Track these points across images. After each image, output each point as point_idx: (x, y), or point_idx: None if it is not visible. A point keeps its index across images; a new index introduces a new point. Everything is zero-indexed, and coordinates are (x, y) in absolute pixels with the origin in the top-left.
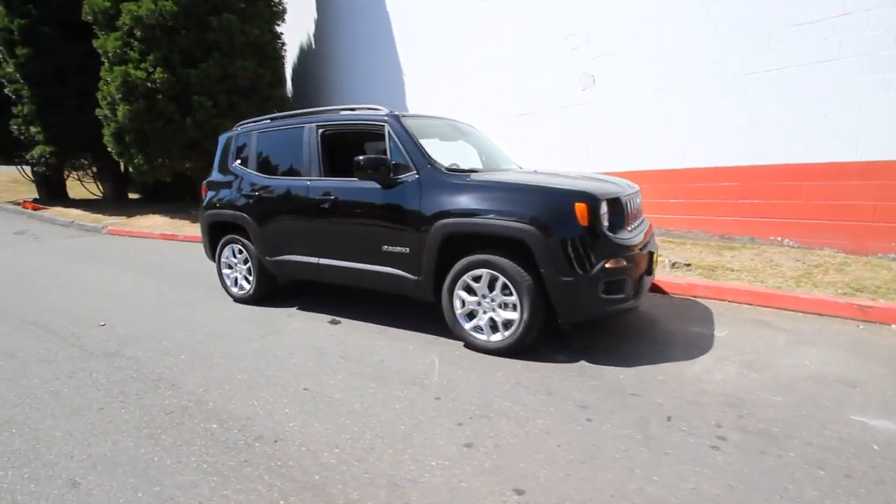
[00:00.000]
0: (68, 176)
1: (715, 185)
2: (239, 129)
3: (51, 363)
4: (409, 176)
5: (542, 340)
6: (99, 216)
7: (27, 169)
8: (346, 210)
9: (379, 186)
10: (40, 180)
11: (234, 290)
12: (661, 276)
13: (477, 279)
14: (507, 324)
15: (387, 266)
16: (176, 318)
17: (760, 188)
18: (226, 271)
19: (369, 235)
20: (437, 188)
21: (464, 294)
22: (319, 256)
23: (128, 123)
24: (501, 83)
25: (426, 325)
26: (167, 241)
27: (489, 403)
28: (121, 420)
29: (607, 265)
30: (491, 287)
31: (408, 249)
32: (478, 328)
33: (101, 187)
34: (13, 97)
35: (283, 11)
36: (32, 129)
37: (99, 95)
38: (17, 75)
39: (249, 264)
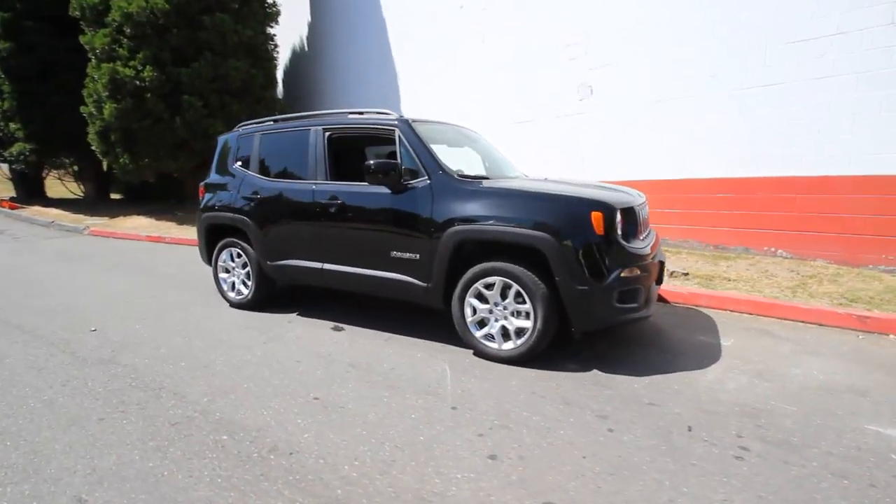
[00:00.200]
0: (47, 174)
1: (710, 196)
2: (240, 130)
3: (41, 370)
4: (421, 181)
5: (551, 349)
6: (80, 216)
7: (4, 167)
8: (354, 215)
9: (388, 191)
10: (18, 178)
11: (232, 294)
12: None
13: (489, 287)
14: (520, 332)
15: (395, 272)
16: (171, 322)
17: (755, 199)
18: (223, 275)
19: (377, 241)
20: (450, 194)
21: (475, 301)
22: (324, 261)
23: (114, 122)
24: (500, 87)
25: (432, 332)
26: (153, 243)
27: (507, 413)
28: (123, 431)
29: (622, 274)
30: (504, 295)
31: (418, 256)
32: (489, 336)
33: (81, 187)
34: None
35: (278, 13)
36: (12, 126)
37: (85, 93)
38: None
39: (248, 268)
